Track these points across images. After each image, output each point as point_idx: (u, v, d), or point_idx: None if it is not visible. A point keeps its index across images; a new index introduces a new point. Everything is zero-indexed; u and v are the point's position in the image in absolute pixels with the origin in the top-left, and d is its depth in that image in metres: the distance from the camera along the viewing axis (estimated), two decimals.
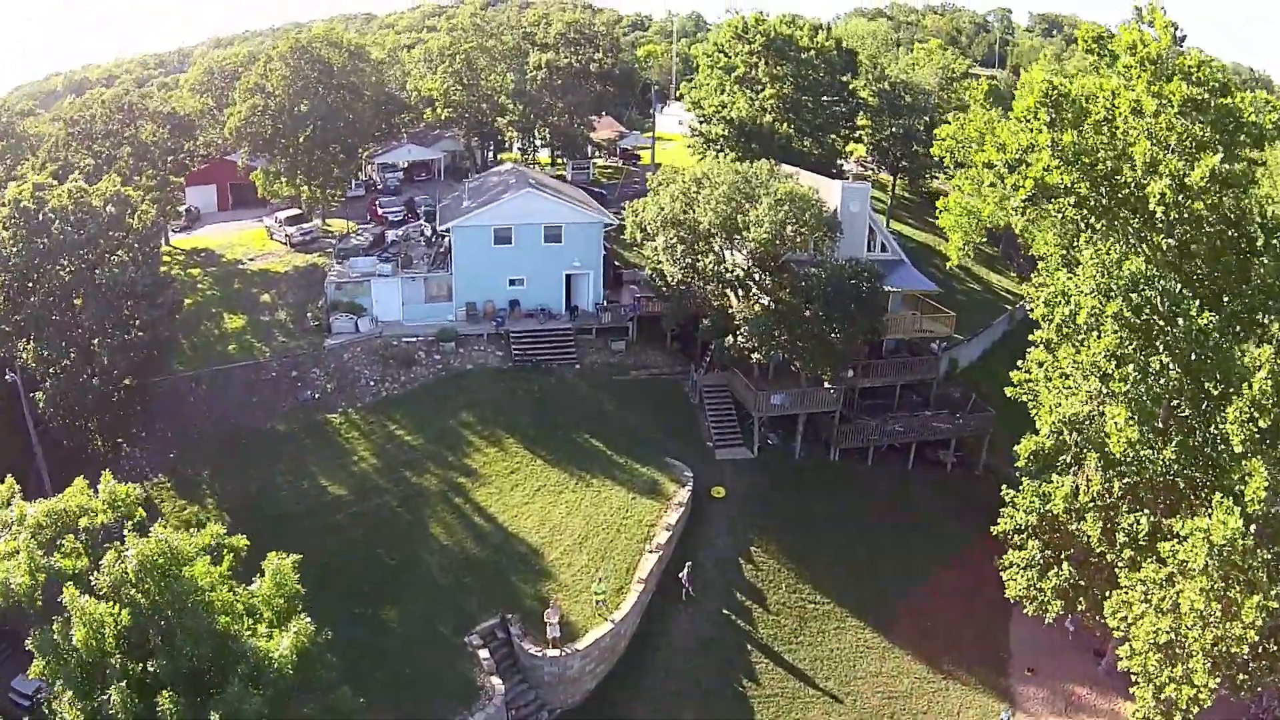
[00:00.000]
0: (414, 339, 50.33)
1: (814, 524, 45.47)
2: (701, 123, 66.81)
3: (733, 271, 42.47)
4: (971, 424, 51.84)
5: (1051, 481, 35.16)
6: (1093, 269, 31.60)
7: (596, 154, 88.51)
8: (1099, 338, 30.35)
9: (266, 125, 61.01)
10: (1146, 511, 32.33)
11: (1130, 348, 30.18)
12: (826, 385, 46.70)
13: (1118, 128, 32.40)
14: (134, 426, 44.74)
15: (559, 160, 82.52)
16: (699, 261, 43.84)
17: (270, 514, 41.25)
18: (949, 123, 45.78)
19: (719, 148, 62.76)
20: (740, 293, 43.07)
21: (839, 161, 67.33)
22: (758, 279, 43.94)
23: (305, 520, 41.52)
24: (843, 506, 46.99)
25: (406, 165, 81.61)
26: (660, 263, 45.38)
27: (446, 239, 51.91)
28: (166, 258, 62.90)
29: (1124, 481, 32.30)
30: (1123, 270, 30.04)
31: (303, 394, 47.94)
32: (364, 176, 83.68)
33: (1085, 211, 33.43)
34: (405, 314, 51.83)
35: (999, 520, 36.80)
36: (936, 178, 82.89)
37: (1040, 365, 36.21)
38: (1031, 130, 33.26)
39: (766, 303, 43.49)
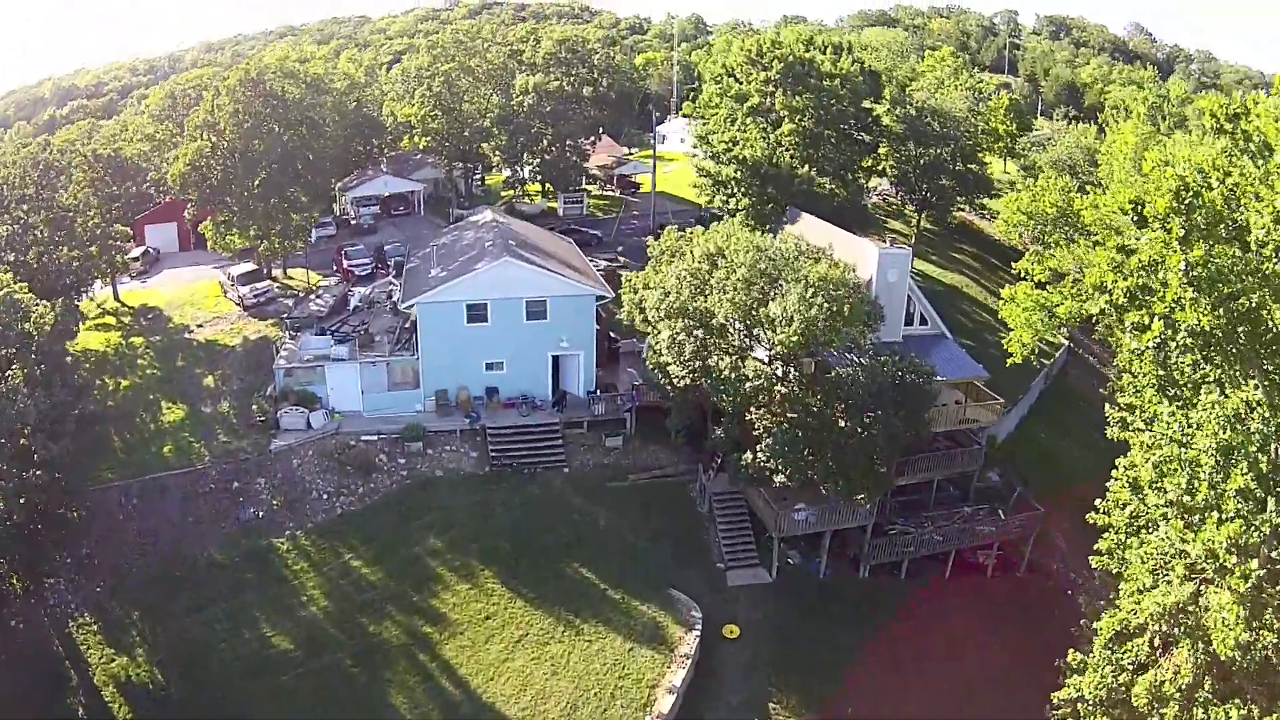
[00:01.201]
0: (374, 437, 41.68)
1: (840, 659, 37.08)
2: (709, 158, 57.78)
3: (754, 380, 33.63)
4: (1018, 524, 43.45)
5: (1127, 649, 26.74)
6: (1215, 425, 22.92)
7: (592, 183, 79.58)
8: (1219, 521, 21.82)
9: (215, 170, 52.10)
10: (1239, 703, 24.00)
11: (1254, 535, 21.68)
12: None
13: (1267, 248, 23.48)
14: (57, 555, 36.87)
15: (549, 192, 73.48)
16: (711, 361, 35.06)
17: (208, 674, 33.42)
18: (1021, 189, 36.89)
19: (729, 191, 53.88)
20: (760, 399, 34.30)
21: (864, 202, 58.21)
22: (780, 379, 35.16)
23: (248, 684, 33.31)
24: (873, 633, 38.64)
25: (383, 198, 72.69)
26: (665, 361, 36.59)
27: (412, 315, 43.01)
28: (110, 320, 54.47)
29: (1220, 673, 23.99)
30: (1251, 431, 21.49)
31: (245, 512, 39.37)
32: (337, 211, 74.91)
33: (1212, 350, 24.60)
34: (366, 404, 43.15)
35: (1059, 685, 28.36)
36: (963, 209, 74.10)
37: (1123, 507, 27.70)
38: (1153, 243, 24.32)
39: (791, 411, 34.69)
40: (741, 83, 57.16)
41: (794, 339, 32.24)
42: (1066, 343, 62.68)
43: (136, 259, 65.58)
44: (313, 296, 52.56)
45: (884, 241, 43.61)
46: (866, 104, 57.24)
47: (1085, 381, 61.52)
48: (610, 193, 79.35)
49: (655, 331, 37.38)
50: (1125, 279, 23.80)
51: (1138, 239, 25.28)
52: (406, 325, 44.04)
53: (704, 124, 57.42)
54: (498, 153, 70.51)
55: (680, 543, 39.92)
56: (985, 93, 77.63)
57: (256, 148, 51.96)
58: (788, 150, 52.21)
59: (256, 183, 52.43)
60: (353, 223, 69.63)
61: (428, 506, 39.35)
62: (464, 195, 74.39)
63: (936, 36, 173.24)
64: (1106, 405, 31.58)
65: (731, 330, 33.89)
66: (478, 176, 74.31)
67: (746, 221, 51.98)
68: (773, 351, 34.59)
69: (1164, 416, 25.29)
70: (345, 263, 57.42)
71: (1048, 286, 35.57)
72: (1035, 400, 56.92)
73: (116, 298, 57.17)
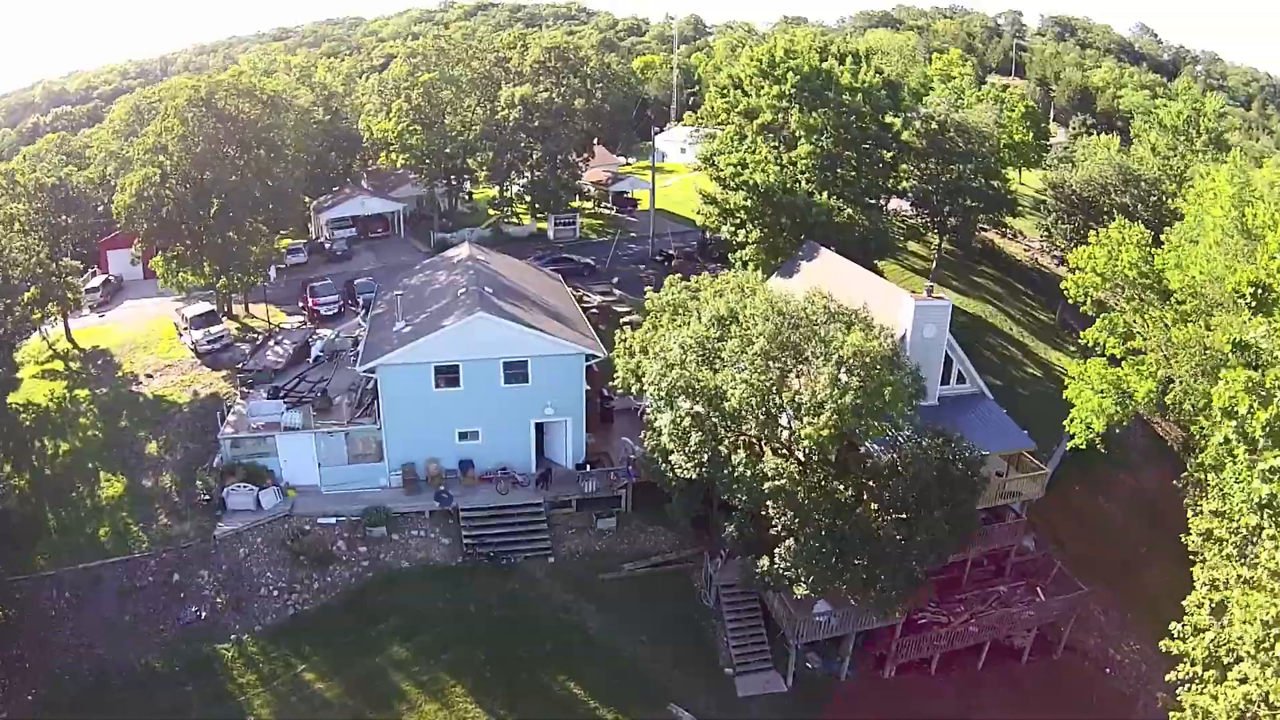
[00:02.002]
0: (332, 521, 35.61)
1: None
2: (714, 181, 51.35)
3: (774, 479, 27.47)
4: (1059, 606, 37.69)
5: None
6: None
7: (586, 199, 73.30)
8: None
9: (167, 200, 45.90)
10: None
11: None
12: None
13: None
14: None
15: (539, 214, 67.13)
16: (723, 454, 28.92)
17: None
18: (1092, 243, 30.67)
19: (738, 221, 47.56)
20: (781, 500, 28.14)
21: (887, 229, 51.99)
22: (804, 472, 29.06)
23: None
24: None
25: (360, 219, 66.56)
26: (665, 447, 30.42)
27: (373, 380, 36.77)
28: (58, 366, 48.44)
29: None
30: None
31: (187, 611, 33.34)
32: (312, 233, 68.82)
33: None
34: (323, 478, 37.07)
35: None
36: (985, 229, 67.95)
37: (1201, 633, 22.10)
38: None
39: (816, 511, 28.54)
40: (751, 95, 50.80)
41: (824, 432, 26.14)
42: None
43: (96, 289, 59.59)
44: (272, 343, 46.45)
45: (921, 294, 37.39)
46: (887, 118, 50.98)
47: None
48: (606, 210, 73.03)
49: (655, 411, 31.19)
50: (1265, 406, 17.73)
51: (1260, 339, 19.19)
52: (369, 386, 37.89)
53: (709, 142, 50.78)
54: (483, 169, 64.29)
55: (682, 644, 33.95)
56: (1008, 101, 71.56)
57: (208, 176, 45.92)
58: (804, 174, 45.91)
59: (211, 214, 46.37)
60: (327, 247, 63.45)
61: (392, 607, 33.30)
62: (447, 215, 68.18)
63: (942, 38, 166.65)
64: (1189, 514, 25.72)
65: (748, 417, 27.72)
66: (465, 192, 67.87)
67: (757, 255, 45.80)
68: (797, 443, 28.44)
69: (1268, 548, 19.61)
70: (310, 300, 51.24)
71: (1123, 362, 29.60)
72: (1067, 452, 51.01)
73: (69, 337, 51.11)
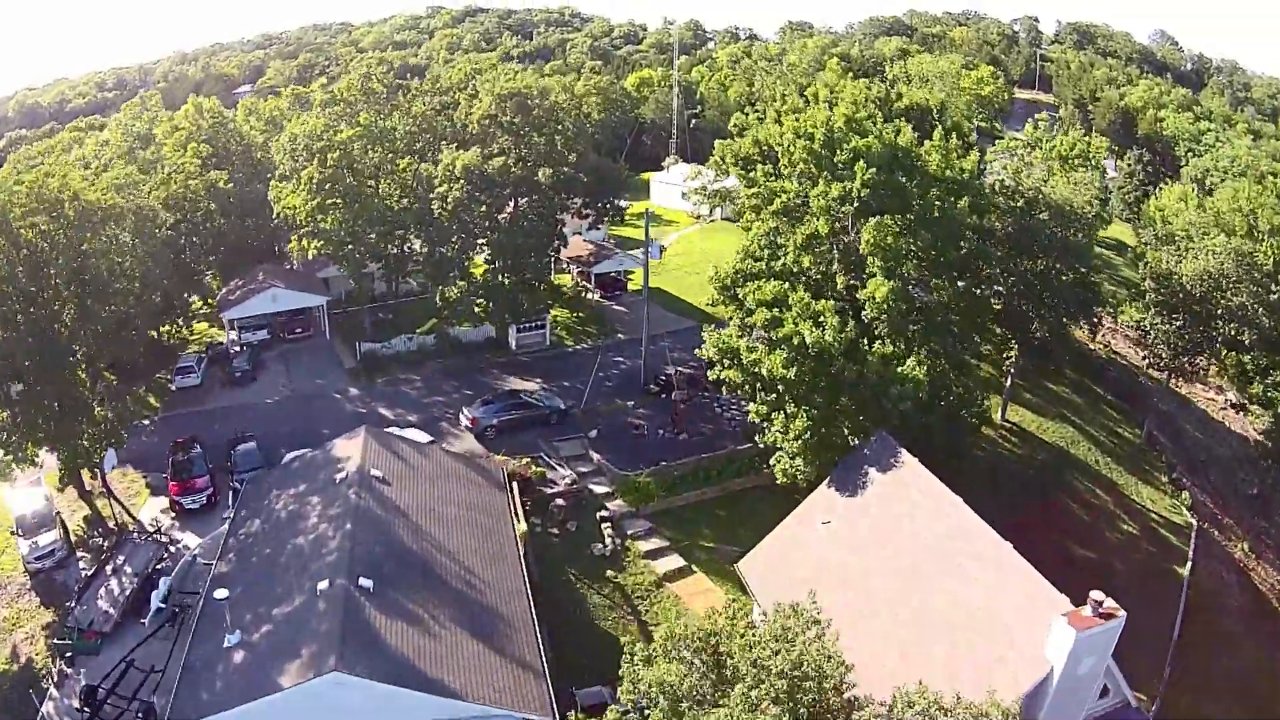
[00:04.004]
0: None
1: None
2: (737, 325, 32.93)
3: None
4: None
5: None
6: None
7: (564, 272, 55.84)
8: None
9: None
10: None
11: None
12: None
13: None
14: None
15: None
16: None
17: None
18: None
19: (776, 400, 29.62)
20: None
21: (984, 404, 34.22)
22: None
23: None
24: None
25: (274, 318, 49.44)
26: None
27: None
28: None
29: None
30: None
31: None
32: (225, 334, 51.55)
33: None
34: None
35: None
36: (1080, 326, 50.55)
37: None
38: None
39: None
40: (783, 174, 33.09)
41: None
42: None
43: None
44: (109, 570, 29.33)
45: (1077, 609, 20.24)
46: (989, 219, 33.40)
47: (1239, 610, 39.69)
48: (589, 296, 55.37)
49: None
50: None
51: None
52: None
53: (731, 270, 31.65)
54: (417, 268, 46.81)
55: None
56: (1093, 156, 54.32)
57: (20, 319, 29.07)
58: (880, 322, 28.50)
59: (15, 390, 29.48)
60: (232, 359, 46.19)
61: None
62: (384, 306, 50.79)
63: (960, 49, 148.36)
64: None
65: None
66: (406, 275, 50.33)
67: (804, 450, 28.49)
68: None
69: None
70: (171, 485, 34.13)
71: None
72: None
73: None
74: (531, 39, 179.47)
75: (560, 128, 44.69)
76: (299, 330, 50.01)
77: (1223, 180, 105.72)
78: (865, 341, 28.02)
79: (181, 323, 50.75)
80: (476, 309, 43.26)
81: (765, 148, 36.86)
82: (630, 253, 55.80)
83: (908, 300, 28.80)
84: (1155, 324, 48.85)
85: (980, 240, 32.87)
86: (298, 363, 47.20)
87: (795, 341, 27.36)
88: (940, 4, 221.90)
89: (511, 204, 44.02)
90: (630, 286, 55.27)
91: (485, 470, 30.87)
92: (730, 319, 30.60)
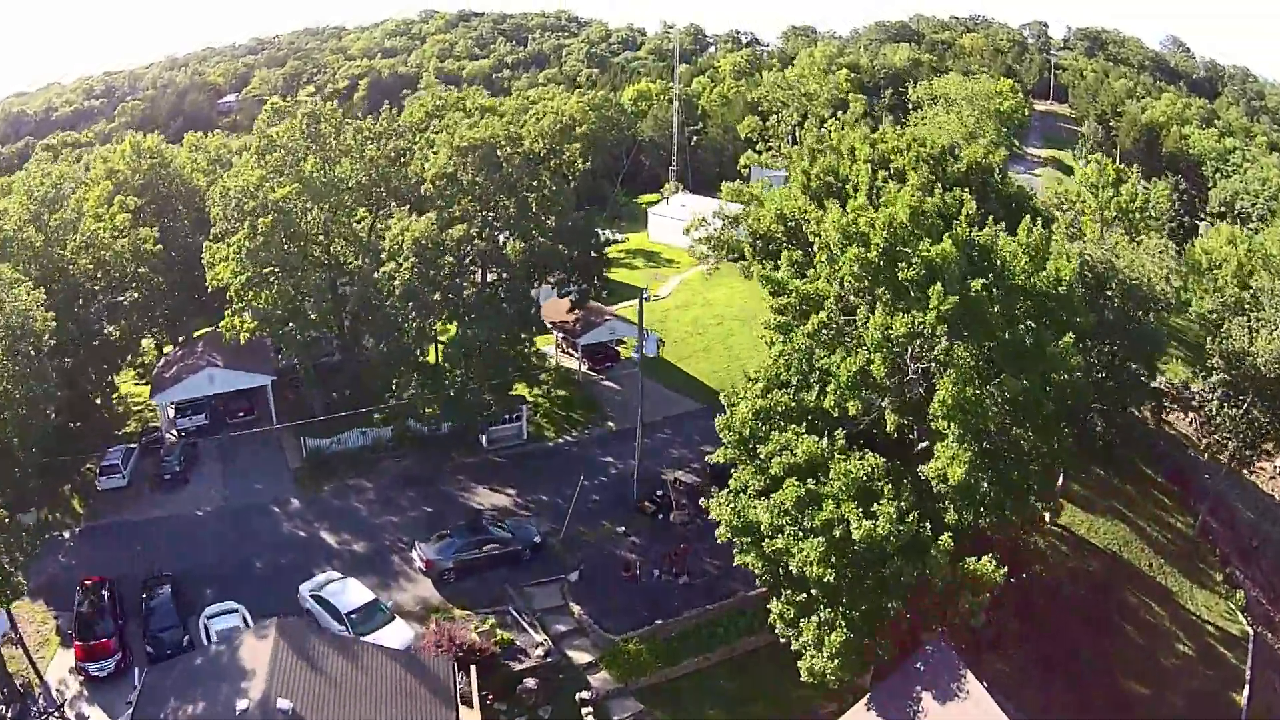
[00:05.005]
0: None
1: None
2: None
3: None
4: None
5: None
6: None
7: (547, 332, 47.96)
8: None
9: None
10: None
11: None
12: None
13: None
14: None
15: None
16: None
17: None
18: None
19: (804, 605, 21.25)
20: None
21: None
22: None
23: None
24: None
25: (212, 401, 41.88)
26: None
27: None
28: None
29: None
30: None
31: None
32: (167, 413, 44.00)
33: None
34: None
35: None
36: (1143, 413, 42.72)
37: None
38: None
39: None
40: (827, 283, 25.01)
41: None
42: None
43: None
44: None
45: None
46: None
47: None
48: (573, 369, 46.79)
49: None
50: None
51: None
52: None
53: (749, 414, 23.00)
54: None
55: None
56: (1158, 212, 46.59)
57: None
58: (950, 509, 20.66)
59: None
60: (163, 455, 38.58)
61: None
62: (341, 381, 43.04)
63: (970, 57, 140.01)
64: None
65: None
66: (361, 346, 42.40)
67: (844, 652, 20.78)
68: None
69: None
70: (75, 644, 26.84)
71: None
72: None
73: None
74: (526, 45, 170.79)
75: (536, 184, 36.68)
76: (242, 413, 42.41)
77: (1254, 204, 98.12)
78: (928, 526, 20.28)
79: (107, 402, 43.33)
80: (429, 413, 35.36)
81: (792, 222, 29.05)
82: (623, 313, 47.58)
83: (989, 469, 21.09)
84: (1224, 411, 40.68)
85: (1084, 378, 24.93)
86: (237, 459, 39.57)
87: (837, 534, 19.68)
88: (942, 6, 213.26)
89: (478, 274, 36.18)
90: (624, 352, 47.31)
91: (428, 674, 23.21)
92: (747, 479, 22.68)
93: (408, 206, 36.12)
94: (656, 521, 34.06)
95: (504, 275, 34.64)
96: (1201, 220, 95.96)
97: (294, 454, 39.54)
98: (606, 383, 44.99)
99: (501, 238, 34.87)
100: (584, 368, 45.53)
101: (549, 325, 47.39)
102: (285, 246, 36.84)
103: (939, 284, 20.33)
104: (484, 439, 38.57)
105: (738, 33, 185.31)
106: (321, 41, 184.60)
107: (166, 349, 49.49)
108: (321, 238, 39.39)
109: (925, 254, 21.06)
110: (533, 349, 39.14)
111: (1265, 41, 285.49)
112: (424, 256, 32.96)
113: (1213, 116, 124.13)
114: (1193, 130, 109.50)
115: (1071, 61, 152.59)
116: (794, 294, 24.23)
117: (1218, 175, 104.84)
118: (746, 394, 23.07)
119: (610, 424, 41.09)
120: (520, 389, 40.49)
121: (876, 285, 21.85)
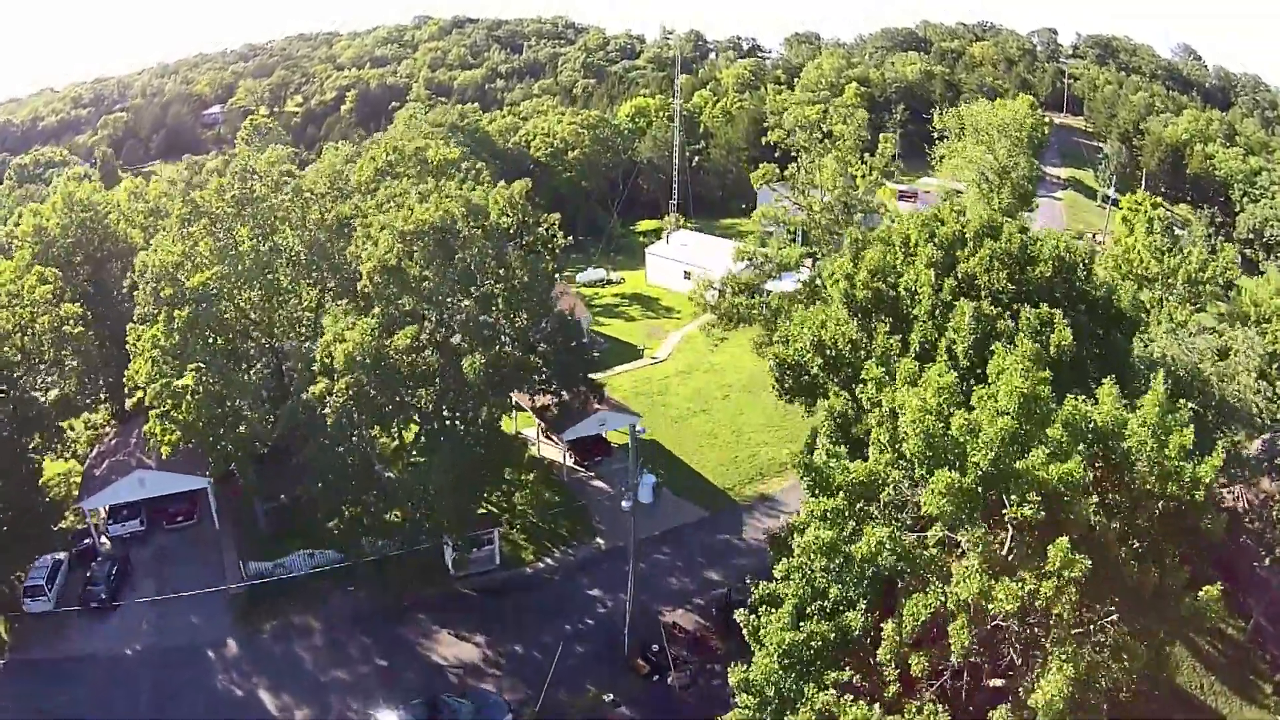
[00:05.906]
0: None
1: None
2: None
3: None
4: None
5: None
6: None
7: (521, 410, 41.49)
8: None
9: None
10: None
11: None
12: None
13: None
14: None
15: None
16: None
17: None
18: None
19: None
20: None
21: None
22: None
23: None
24: None
25: (147, 505, 35.84)
26: None
27: None
28: None
29: None
30: None
31: None
32: (97, 520, 37.82)
33: None
34: None
35: None
36: None
37: None
38: None
39: None
40: (896, 471, 18.85)
41: None
42: None
43: None
44: None
45: None
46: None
47: None
48: (557, 455, 40.07)
49: None
50: None
51: None
52: None
53: (776, 665, 16.83)
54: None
55: None
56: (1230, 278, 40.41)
57: None
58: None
59: None
60: (90, 573, 32.53)
61: None
62: (286, 460, 36.92)
63: (980, 68, 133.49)
64: None
65: None
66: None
67: None
68: None
69: None
70: None
71: None
72: None
73: None
74: (521, 53, 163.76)
75: (503, 272, 30.21)
76: (180, 517, 36.41)
77: None
78: None
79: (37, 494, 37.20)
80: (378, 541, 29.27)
81: (831, 352, 22.88)
82: (619, 377, 41.05)
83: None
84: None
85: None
86: (174, 570, 33.73)
87: None
88: (945, 12, 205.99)
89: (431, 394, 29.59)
90: (615, 439, 40.75)
91: None
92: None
93: (346, 300, 29.84)
94: (652, 684, 27.99)
95: (460, 397, 28.05)
96: (1229, 245, 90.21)
97: (234, 573, 33.46)
98: (596, 483, 38.58)
99: (458, 341, 28.47)
100: (569, 461, 39.20)
101: (528, 410, 40.93)
102: (209, 340, 30.67)
103: (1064, 540, 14.25)
104: (450, 564, 32.42)
105: (739, 39, 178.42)
106: (313, 48, 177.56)
107: (110, 425, 43.44)
108: (260, 322, 33.22)
109: (1041, 475, 14.99)
110: (512, 474, 32.91)
111: (1267, 42, 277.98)
112: (363, 372, 26.68)
113: (1232, 132, 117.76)
114: (1216, 149, 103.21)
115: (1083, 70, 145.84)
116: (842, 491, 17.80)
117: (1245, 199, 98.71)
118: (768, 627, 16.87)
119: (599, 540, 34.82)
120: (494, 501, 34.38)
121: (971, 522, 15.70)
